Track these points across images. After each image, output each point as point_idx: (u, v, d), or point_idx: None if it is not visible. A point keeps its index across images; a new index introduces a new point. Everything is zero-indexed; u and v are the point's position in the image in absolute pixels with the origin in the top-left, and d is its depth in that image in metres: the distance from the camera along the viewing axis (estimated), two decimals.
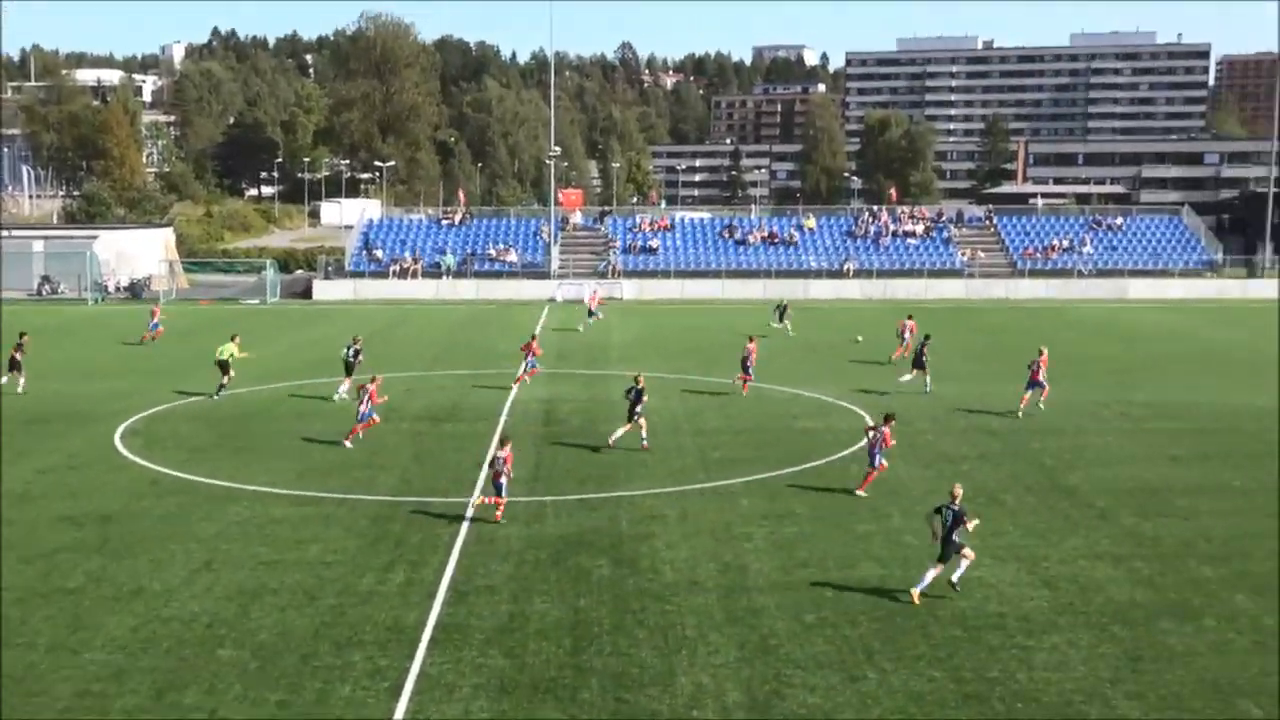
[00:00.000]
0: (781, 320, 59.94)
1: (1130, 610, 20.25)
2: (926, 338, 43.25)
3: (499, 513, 25.21)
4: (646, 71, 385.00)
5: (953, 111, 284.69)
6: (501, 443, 26.21)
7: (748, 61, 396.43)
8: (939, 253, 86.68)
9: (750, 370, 40.85)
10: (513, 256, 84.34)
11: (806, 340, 56.14)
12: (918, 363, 41.67)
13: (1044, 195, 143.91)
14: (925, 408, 38.23)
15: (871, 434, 27.94)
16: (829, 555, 23.10)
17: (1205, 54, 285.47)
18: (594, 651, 18.43)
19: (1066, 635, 19.12)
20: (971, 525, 20.91)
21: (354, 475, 29.41)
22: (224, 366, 40.67)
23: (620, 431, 32.05)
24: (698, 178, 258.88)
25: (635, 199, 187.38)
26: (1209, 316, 68.09)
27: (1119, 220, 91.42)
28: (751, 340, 42.77)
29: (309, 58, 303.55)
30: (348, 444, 32.20)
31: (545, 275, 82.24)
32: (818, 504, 26.73)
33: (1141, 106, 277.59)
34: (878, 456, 27.61)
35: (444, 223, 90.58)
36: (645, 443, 31.86)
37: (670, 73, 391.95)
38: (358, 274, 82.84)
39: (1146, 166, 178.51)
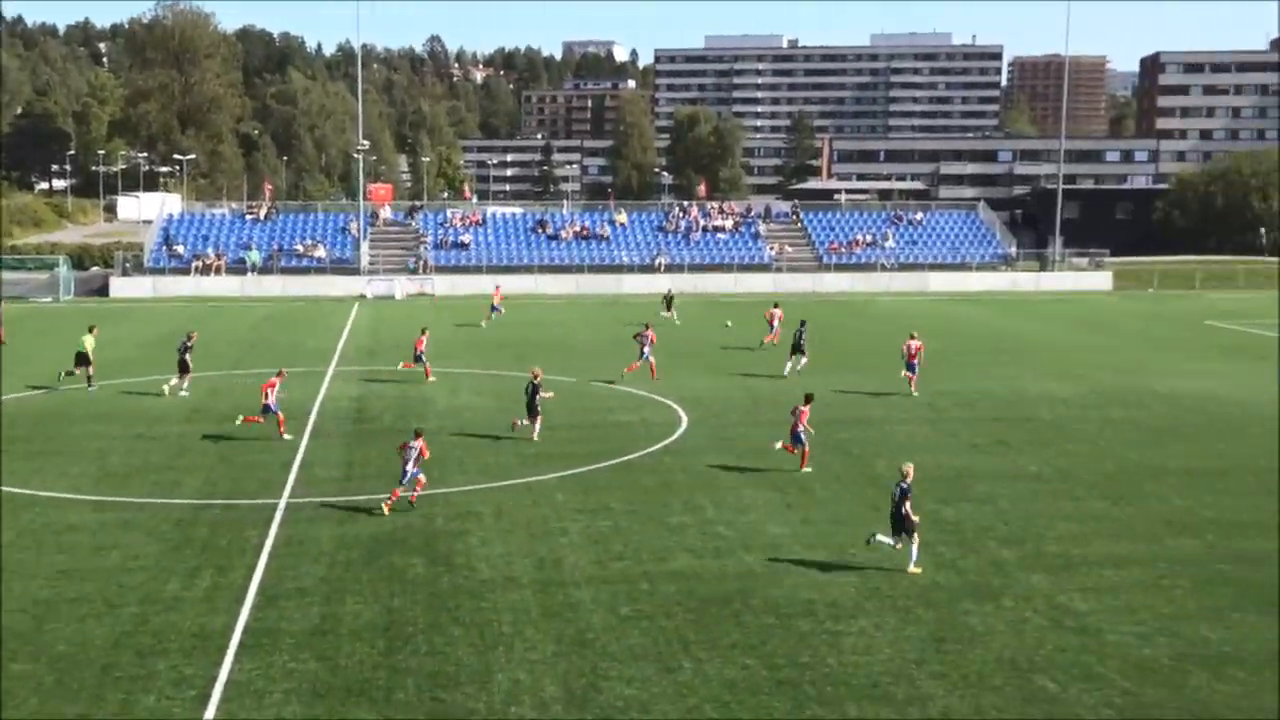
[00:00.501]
0: (669, 309, 62.11)
1: (933, 592, 20.93)
2: (803, 323, 45.37)
3: (414, 494, 25.71)
4: (456, 65, 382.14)
5: (760, 109, 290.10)
6: (415, 434, 26.21)
7: (558, 57, 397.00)
8: (748, 247, 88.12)
9: (649, 355, 42.64)
10: (321, 252, 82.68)
11: (620, 335, 56.46)
12: (796, 348, 44.42)
13: (848, 191, 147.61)
14: (738, 400, 38.86)
15: (794, 415, 29.69)
16: (643, 548, 23.29)
17: (998, 55, 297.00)
18: (409, 651, 18.22)
19: (874, 619, 19.66)
20: (907, 505, 22.00)
21: (156, 478, 28.46)
22: (83, 359, 40.32)
23: (536, 425, 32.76)
24: (509, 172, 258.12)
25: (446, 194, 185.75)
26: (1005, 308, 70.77)
27: (919, 215, 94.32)
28: (648, 327, 44.63)
29: (102, 46, 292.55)
30: (285, 435, 32.71)
31: (355, 271, 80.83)
32: (632, 497, 26.91)
33: (939, 105, 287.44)
34: (801, 434, 29.27)
35: (248, 218, 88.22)
36: (531, 433, 32.75)
37: (480, 67, 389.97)
38: (158, 271, 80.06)
39: (944, 163, 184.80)
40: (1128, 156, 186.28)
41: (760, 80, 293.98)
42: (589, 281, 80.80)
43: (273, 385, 33.35)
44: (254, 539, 23.65)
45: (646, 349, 42.78)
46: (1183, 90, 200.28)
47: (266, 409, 32.97)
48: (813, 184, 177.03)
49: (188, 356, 39.70)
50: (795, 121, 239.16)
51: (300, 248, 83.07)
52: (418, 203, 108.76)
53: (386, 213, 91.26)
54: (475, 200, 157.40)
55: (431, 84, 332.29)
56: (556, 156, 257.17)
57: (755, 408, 37.75)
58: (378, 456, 30.74)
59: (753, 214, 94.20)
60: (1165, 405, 38.78)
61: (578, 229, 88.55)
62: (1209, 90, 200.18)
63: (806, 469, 29.16)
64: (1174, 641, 18.81)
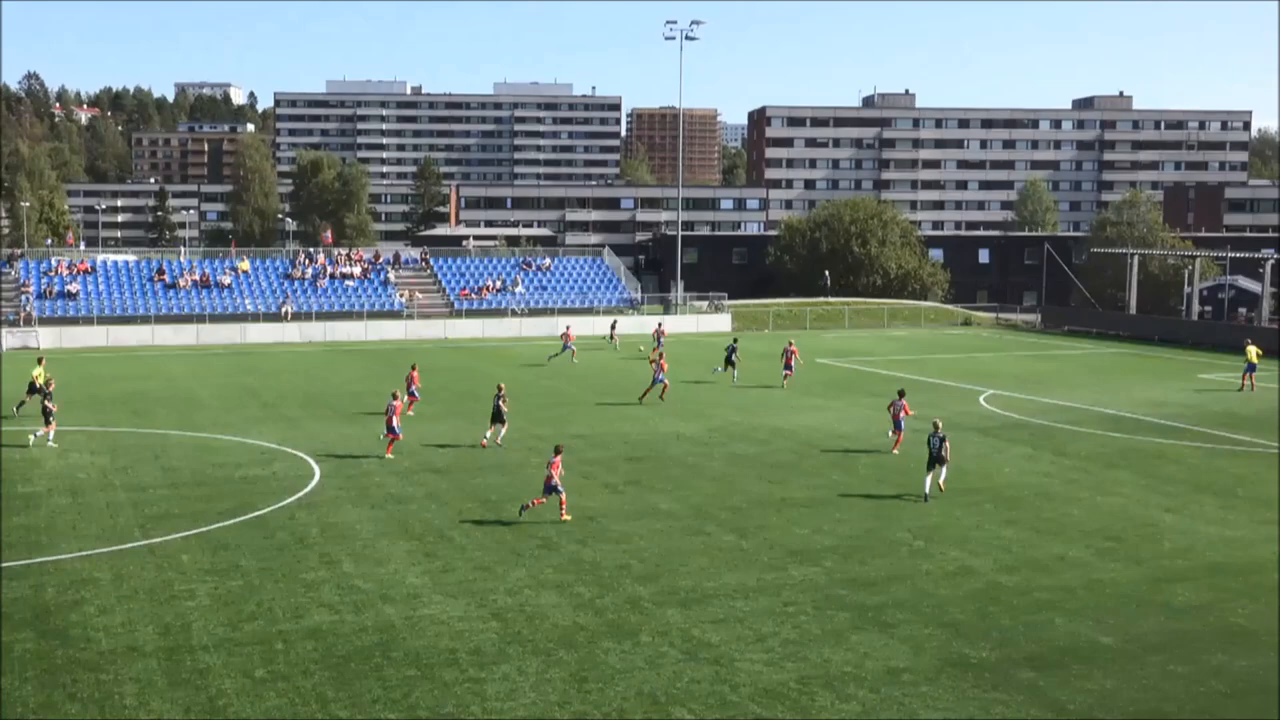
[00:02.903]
0: (612, 339, 73.67)
1: (574, 634, 21.19)
2: (735, 340, 59.50)
3: (563, 512, 29.09)
4: (57, 105, 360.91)
5: (385, 155, 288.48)
6: (556, 451, 29.60)
7: (171, 98, 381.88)
8: (378, 294, 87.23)
9: (663, 379, 49.27)
10: None
11: (247, 385, 54.61)
12: (729, 361, 55.95)
13: (476, 237, 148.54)
14: (373, 449, 38.22)
15: (893, 406, 38.55)
16: (278, 606, 22.48)
17: (617, 106, 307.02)
18: None
19: (516, 664, 19.70)
20: (946, 446, 31.55)
21: None
22: (33, 388, 43.36)
23: (490, 432, 38.80)
24: (120, 218, 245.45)
25: (50, 241, 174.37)
26: (634, 350, 72.77)
27: (547, 261, 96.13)
28: (662, 356, 51.35)
29: None
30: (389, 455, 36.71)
31: None
32: (264, 554, 25.95)
33: (563, 154, 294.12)
34: (903, 423, 38.10)
35: None
36: (501, 442, 38.63)
37: (85, 107, 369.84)
38: None
39: (570, 210, 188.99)
40: (741, 204, 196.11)
41: (385, 126, 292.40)
42: (210, 331, 77.81)
43: (396, 410, 37.14)
44: None
45: (661, 375, 49.15)
46: (787, 142, 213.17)
47: (391, 428, 36.91)
48: (441, 230, 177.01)
49: (49, 403, 39.09)
50: (421, 168, 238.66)
51: None
52: (17, 250, 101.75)
53: None
54: (83, 247, 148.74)
55: (30, 124, 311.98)
56: (172, 202, 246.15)
57: (392, 457, 37.24)
58: None
59: (382, 260, 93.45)
60: (785, 440, 40.90)
61: (197, 277, 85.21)
62: (811, 143, 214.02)
63: (895, 452, 37.72)
64: (800, 666, 19.77)
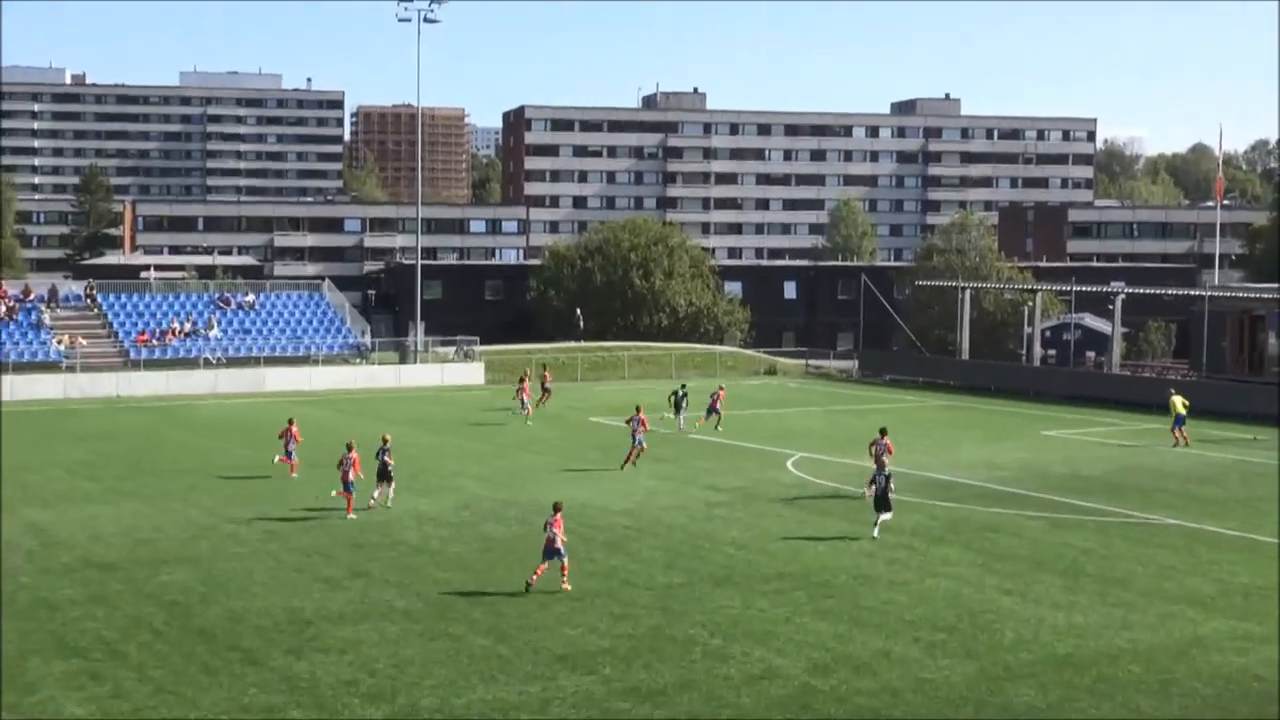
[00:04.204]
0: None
1: None
2: (684, 385, 66.94)
3: (564, 580, 32.02)
4: None
5: (38, 161, 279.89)
6: (555, 509, 32.53)
7: None
8: (27, 340, 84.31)
9: (641, 441, 51.90)
10: None
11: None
12: (678, 407, 63.14)
13: (158, 268, 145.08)
14: (15, 541, 36.83)
15: (875, 447, 43.65)
16: None
17: (339, 104, 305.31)
18: None
19: None
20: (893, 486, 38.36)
21: None
22: None
23: (389, 490, 42.62)
24: None
25: None
26: (359, 409, 72.02)
27: (251, 297, 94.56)
28: (639, 410, 53.04)
29: None
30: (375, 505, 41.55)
31: None
32: None
33: (270, 162, 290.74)
34: (886, 463, 39.91)
35: None
36: (390, 504, 42.37)
37: None
38: None
39: (279, 234, 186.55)
40: (495, 226, 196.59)
41: (37, 125, 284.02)
42: None
43: (355, 462, 41.32)
44: None
45: (639, 434, 51.61)
46: (552, 150, 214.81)
47: (348, 485, 40.96)
48: (112, 259, 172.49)
49: None
50: (85, 179, 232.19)
51: None
52: None
53: None
54: None
55: None
56: None
57: (43, 551, 35.95)
58: None
59: (33, 297, 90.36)
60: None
61: None
62: (580, 151, 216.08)
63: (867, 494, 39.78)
64: None
